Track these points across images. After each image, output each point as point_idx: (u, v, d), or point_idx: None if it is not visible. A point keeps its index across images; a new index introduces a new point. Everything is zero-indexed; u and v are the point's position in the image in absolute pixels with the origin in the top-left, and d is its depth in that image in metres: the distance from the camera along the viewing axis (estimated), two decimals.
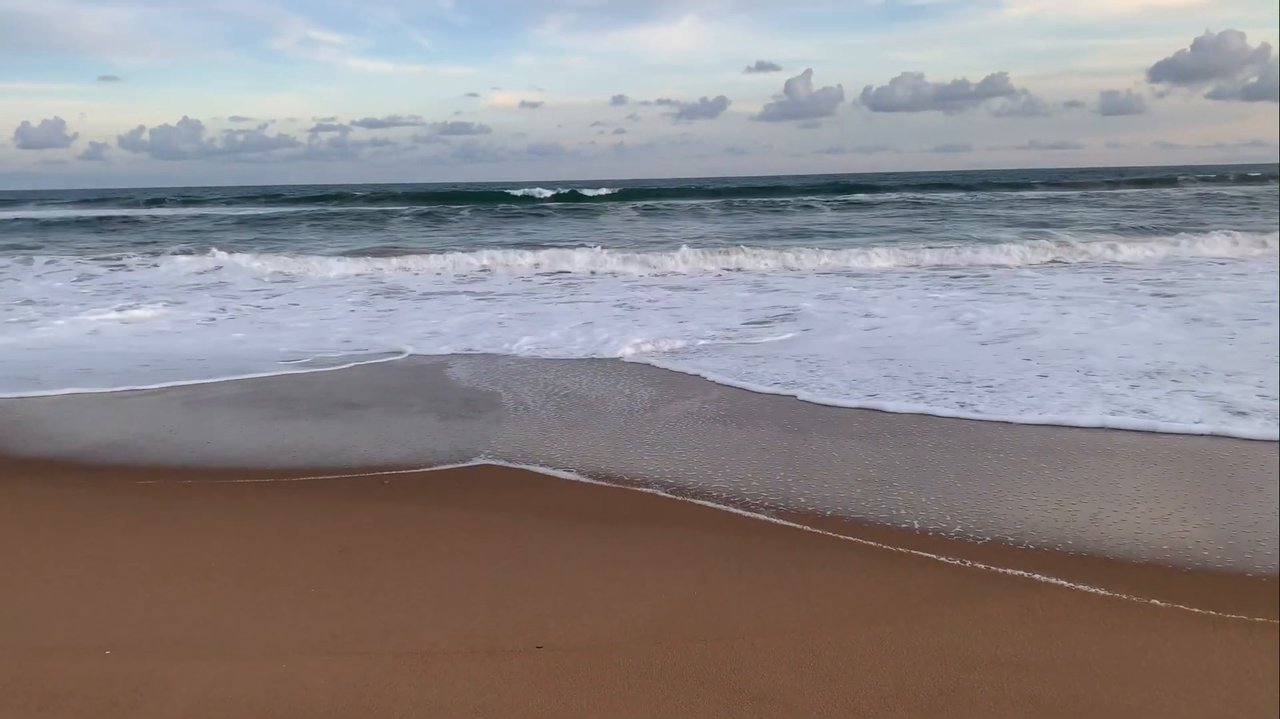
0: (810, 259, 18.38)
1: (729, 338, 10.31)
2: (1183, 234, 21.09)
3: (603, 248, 19.12)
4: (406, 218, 38.67)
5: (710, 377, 8.30)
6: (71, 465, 6.02)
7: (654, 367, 8.86)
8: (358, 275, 18.60)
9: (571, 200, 48.41)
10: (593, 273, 17.99)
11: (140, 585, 4.06)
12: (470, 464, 5.87)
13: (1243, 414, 6.48)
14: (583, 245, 21.57)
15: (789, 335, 10.40)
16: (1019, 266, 17.75)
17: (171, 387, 8.30)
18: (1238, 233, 20.37)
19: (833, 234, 26.74)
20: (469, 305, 13.96)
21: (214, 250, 21.73)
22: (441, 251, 20.51)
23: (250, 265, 19.59)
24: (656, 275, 17.63)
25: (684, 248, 19.02)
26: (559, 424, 6.75)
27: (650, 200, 48.95)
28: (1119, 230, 25.39)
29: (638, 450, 6.03)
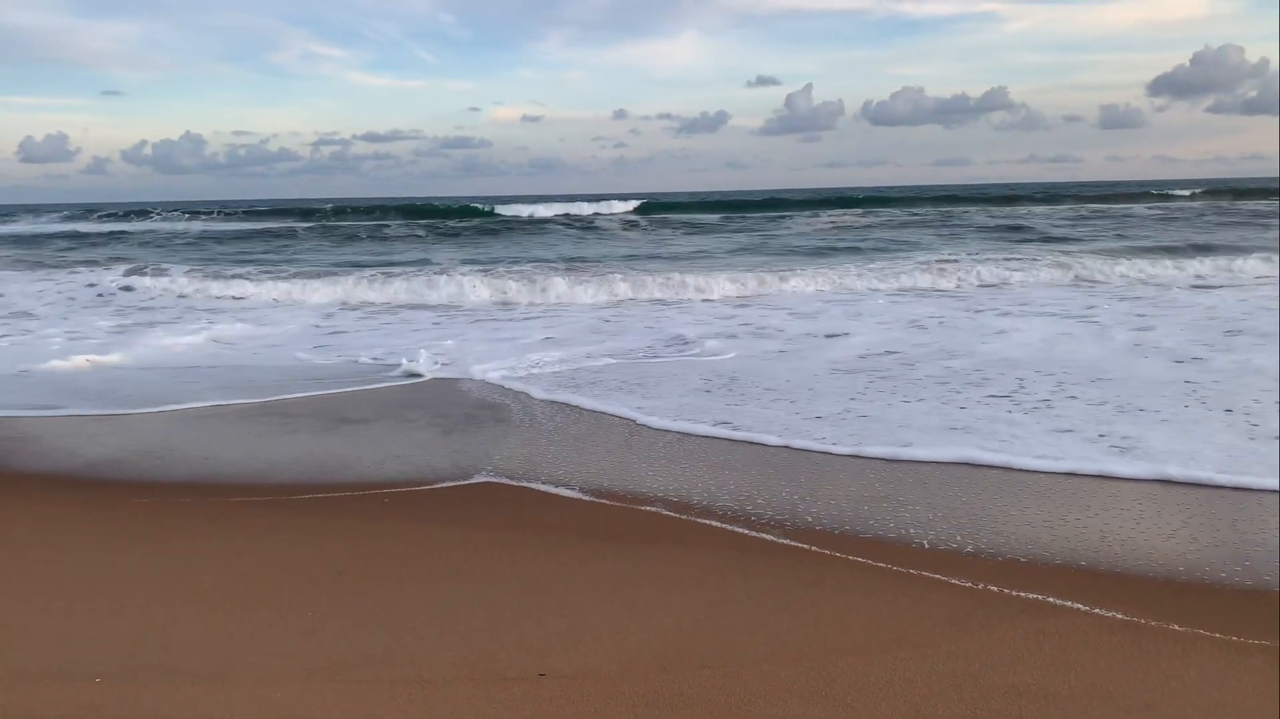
0: (797, 281, 17.58)
1: (625, 358, 10.12)
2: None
3: (617, 276, 17.94)
4: (399, 234, 36.84)
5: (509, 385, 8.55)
6: (66, 483, 5.93)
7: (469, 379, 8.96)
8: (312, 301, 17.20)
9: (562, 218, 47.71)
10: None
11: (133, 608, 3.96)
12: (472, 482, 5.78)
13: (1119, 451, 5.99)
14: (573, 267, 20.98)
15: (719, 355, 10.23)
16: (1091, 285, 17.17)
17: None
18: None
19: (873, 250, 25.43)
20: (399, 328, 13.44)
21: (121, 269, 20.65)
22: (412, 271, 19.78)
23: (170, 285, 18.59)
24: (616, 299, 16.41)
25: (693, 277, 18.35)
26: (552, 441, 6.66)
27: (665, 214, 48.30)
28: (1129, 244, 25.20)
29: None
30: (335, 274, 19.74)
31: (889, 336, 11.31)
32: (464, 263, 22.80)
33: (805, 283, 17.56)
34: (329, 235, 36.75)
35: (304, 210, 56.74)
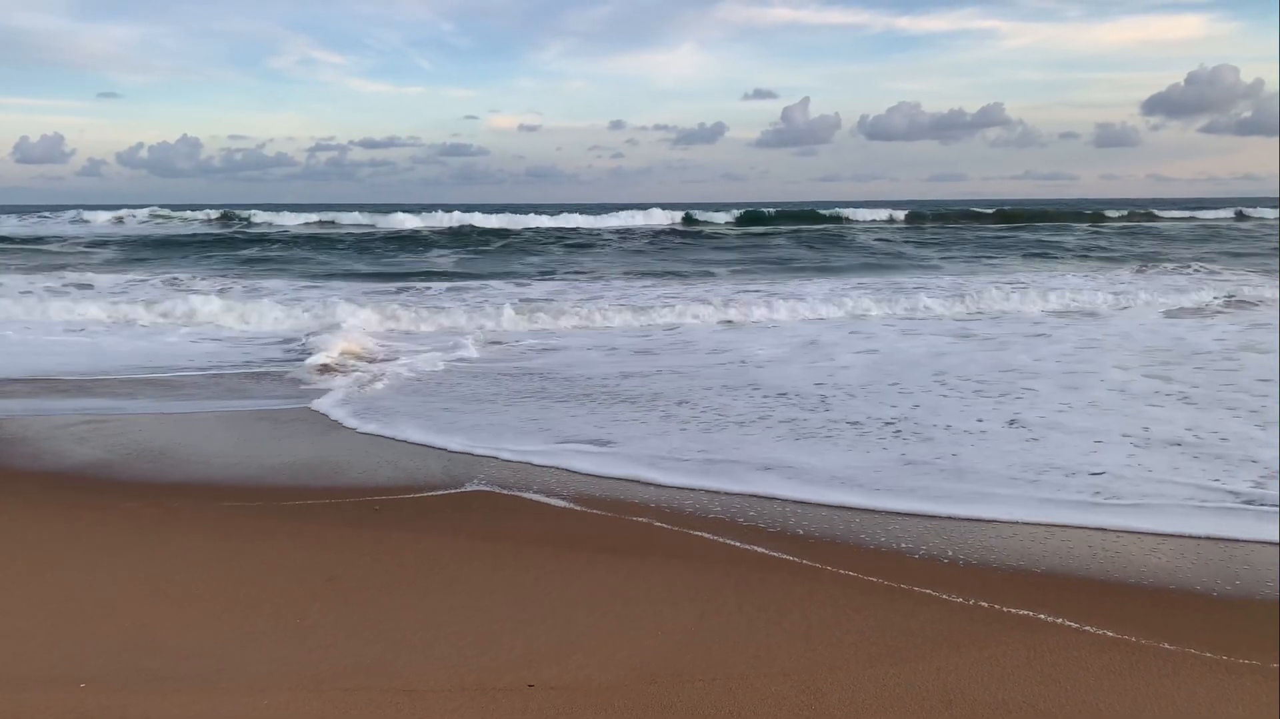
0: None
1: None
2: None
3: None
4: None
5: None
6: (56, 485, 5.90)
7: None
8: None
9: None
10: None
11: (121, 613, 3.94)
12: (464, 490, 5.77)
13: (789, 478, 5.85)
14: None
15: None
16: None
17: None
18: None
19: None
20: None
21: None
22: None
23: None
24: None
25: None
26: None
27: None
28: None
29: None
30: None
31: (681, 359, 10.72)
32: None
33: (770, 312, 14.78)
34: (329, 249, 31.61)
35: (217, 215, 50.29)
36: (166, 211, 52.85)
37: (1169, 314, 14.52)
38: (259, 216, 48.83)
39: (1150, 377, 9.02)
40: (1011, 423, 7.23)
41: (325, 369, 9.90)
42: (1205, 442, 6.55)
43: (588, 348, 11.66)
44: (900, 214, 50.47)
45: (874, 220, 49.40)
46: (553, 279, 21.31)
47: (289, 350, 11.43)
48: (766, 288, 18.37)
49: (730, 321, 14.12)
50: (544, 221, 45.82)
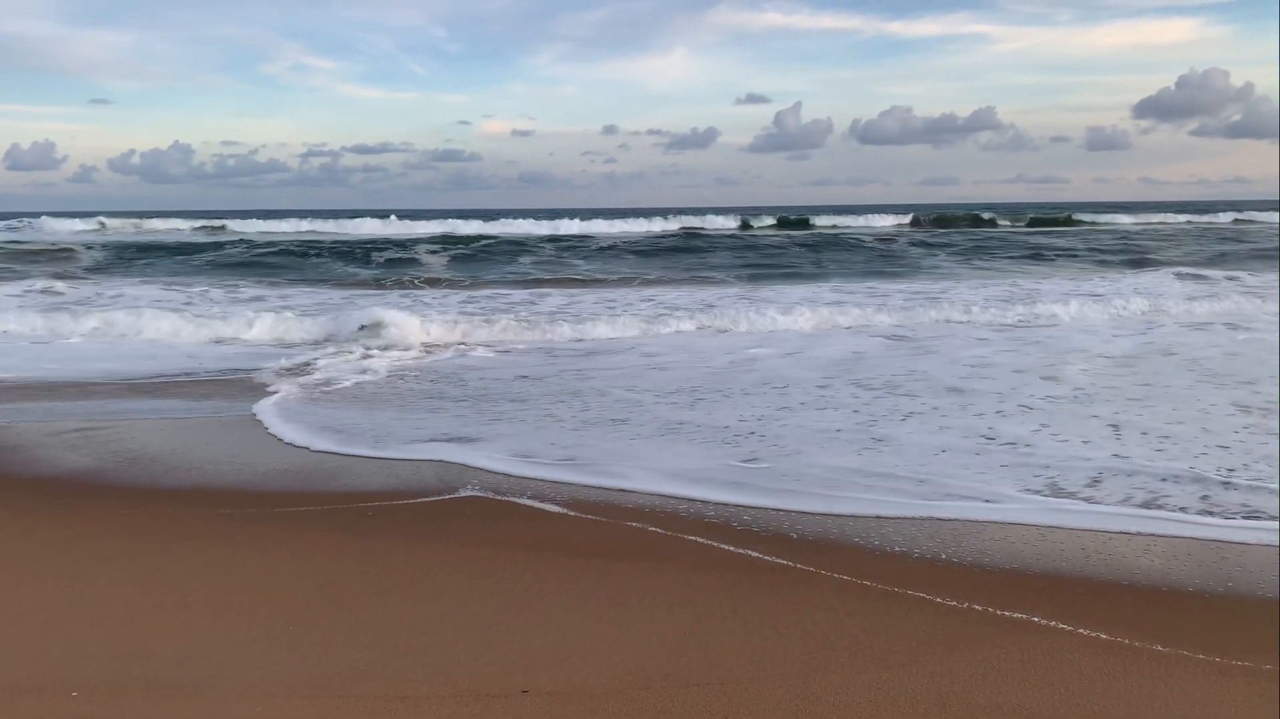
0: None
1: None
2: None
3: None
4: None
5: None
6: (47, 493, 5.87)
7: None
8: None
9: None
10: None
11: (114, 621, 3.92)
12: (458, 495, 5.76)
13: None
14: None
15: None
16: None
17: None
18: None
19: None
20: None
21: None
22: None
23: None
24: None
25: None
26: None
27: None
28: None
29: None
30: None
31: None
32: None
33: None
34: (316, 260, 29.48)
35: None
36: (139, 221, 52.41)
37: (1117, 316, 14.61)
38: (235, 226, 48.86)
39: (1047, 379, 9.23)
40: (866, 424, 7.46)
41: (283, 374, 10.21)
42: (1042, 445, 6.71)
43: (526, 351, 11.88)
44: (901, 219, 50.83)
45: (871, 225, 49.83)
46: (534, 287, 21.22)
47: (253, 357, 11.48)
48: (748, 293, 18.52)
49: (700, 328, 13.95)
50: (535, 228, 45.92)
